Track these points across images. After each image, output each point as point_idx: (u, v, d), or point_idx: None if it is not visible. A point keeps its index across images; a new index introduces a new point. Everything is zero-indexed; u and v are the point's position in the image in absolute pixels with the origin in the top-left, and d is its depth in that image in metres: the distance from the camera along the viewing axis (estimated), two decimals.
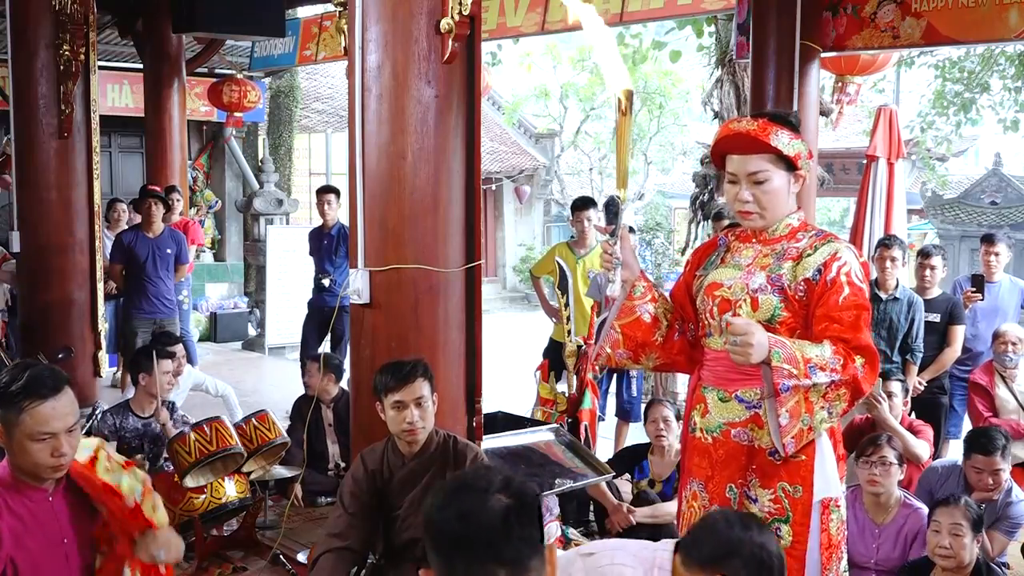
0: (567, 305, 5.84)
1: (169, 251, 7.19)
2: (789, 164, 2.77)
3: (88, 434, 3.30)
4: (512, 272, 21.26)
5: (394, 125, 3.52)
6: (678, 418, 4.75)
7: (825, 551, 2.80)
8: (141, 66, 9.72)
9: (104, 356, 6.13)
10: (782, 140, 2.74)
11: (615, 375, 6.36)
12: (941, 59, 13.71)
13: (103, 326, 6.09)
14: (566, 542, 4.56)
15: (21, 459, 2.48)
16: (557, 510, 4.53)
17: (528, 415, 5.43)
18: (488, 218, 20.44)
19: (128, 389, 5.87)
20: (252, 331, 11.63)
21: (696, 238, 10.27)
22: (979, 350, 6.01)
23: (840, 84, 7.88)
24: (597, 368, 5.45)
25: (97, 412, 5.11)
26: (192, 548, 4.51)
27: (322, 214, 7.72)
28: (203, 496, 4.54)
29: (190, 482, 4.50)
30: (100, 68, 6.34)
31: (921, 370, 5.73)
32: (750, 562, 2.16)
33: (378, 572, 3.54)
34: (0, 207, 10.20)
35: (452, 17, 3.42)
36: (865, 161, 7.46)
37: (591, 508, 5.07)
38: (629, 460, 5.07)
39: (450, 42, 3.44)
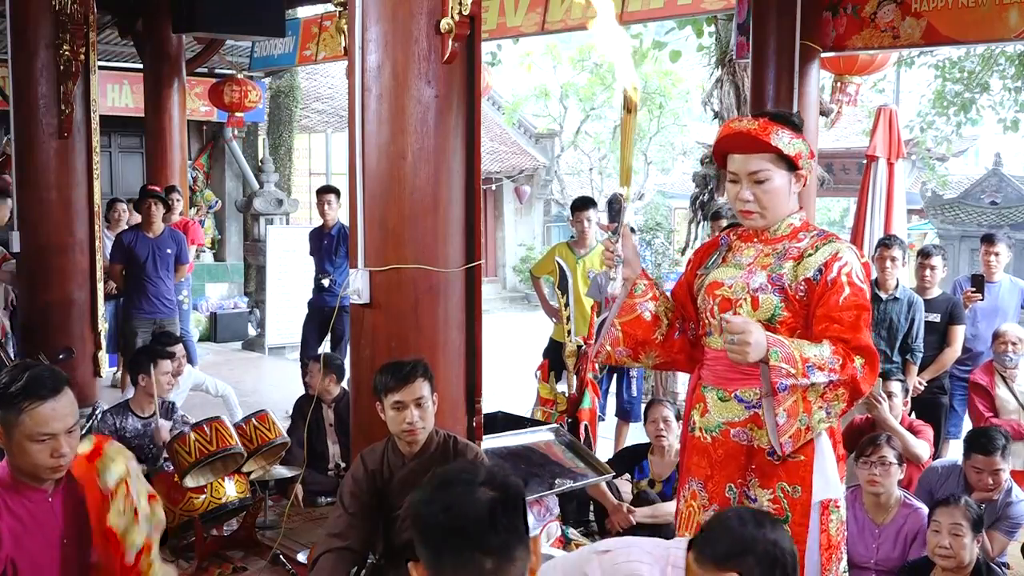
0: (567, 305, 5.84)
1: (169, 251, 7.19)
2: (790, 164, 2.77)
3: (88, 433, 3.29)
4: (512, 272, 21.26)
5: (394, 125, 3.52)
6: (678, 418, 4.75)
7: (824, 552, 2.79)
8: (141, 66, 9.72)
9: (104, 356, 6.13)
10: (783, 140, 2.74)
11: (615, 375, 6.36)
12: (941, 59, 13.71)
13: (103, 326, 6.09)
14: (566, 542, 4.56)
15: (21, 460, 2.48)
16: (557, 510, 4.53)
17: (528, 415, 5.43)
18: (488, 218, 20.44)
19: (128, 389, 5.87)
20: (252, 331, 11.63)
21: (696, 238, 10.27)
22: (979, 350, 6.01)
23: (839, 84, 7.88)
24: (597, 367, 5.45)
25: (97, 412, 5.11)
26: (192, 548, 4.51)
27: (322, 214, 7.72)
28: (203, 496, 4.54)
29: (190, 482, 4.50)
30: (100, 68, 6.34)
31: (921, 370, 5.73)
32: (764, 560, 2.16)
33: (378, 572, 3.54)
34: None
35: (452, 17, 3.42)
36: (865, 161, 7.46)
37: (591, 508, 5.07)
38: (629, 460, 5.07)
39: (450, 42, 3.44)
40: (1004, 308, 6.15)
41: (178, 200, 8.59)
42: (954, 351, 5.82)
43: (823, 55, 6.80)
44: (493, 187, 20.35)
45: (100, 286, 6.01)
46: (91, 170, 5.90)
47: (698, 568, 2.24)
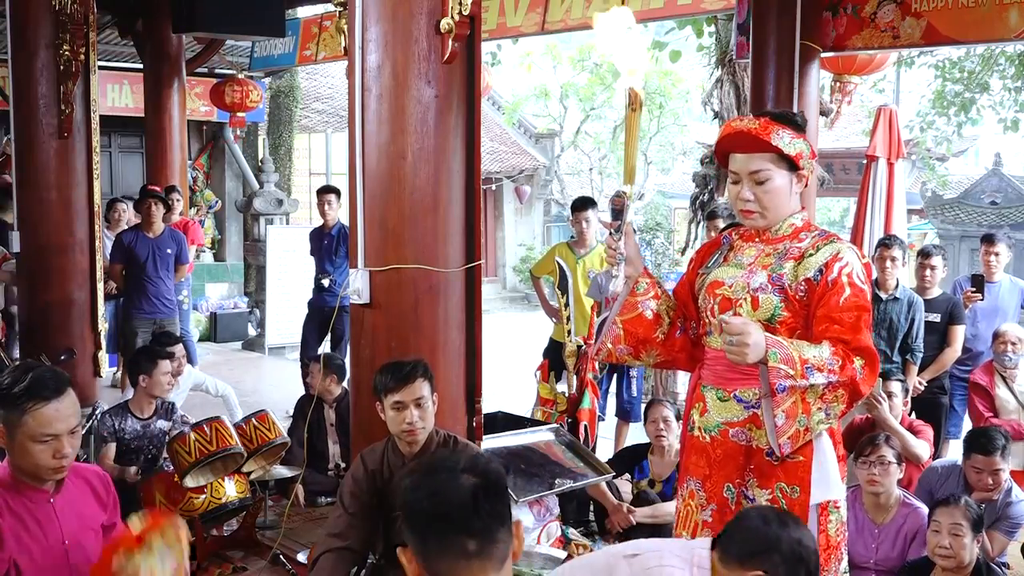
0: (567, 305, 5.85)
1: (169, 251, 7.19)
2: (791, 164, 2.77)
3: (88, 434, 3.27)
4: (512, 272, 21.26)
5: (394, 125, 3.52)
6: (678, 418, 4.75)
7: (824, 552, 2.78)
8: (141, 66, 9.72)
9: (104, 356, 6.13)
10: (783, 139, 2.73)
11: (615, 375, 6.35)
12: (941, 59, 13.71)
13: (103, 326, 6.09)
14: (566, 542, 4.56)
15: (22, 460, 2.49)
16: (557, 510, 4.53)
17: (528, 415, 5.43)
18: (488, 218, 20.44)
19: (128, 390, 5.87)
20: (252, 331, 11.63)
21: (696, 238, 10.27)
22: (979, 350, 6.01)
23: (838, 84, 7.88)
24: (597, 367, 5.45)
25: (97, 412, 5.11)
26: (192, 548, 4.51)
27: (322, 214, 7.72)
28: (203, 496, 4.54)
29: (190, 482, 4.50)
30: (100, 68, 6.34)
31: (921, 370, 5.73)
32: (789, 558, 2.19)
33: (378, 572, 3.54)
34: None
35: (452, 17, 3.42)
36: (865, 161, 7.46)
37: (591, 508, 5.07)
38: (629, 460, 5.07)
39: (450, 42, 3.44)
40: (1004, 308, 6.15)
41: (178, 200, 8.59)
42: (954, 351, 5.82)
43: (823, 55, 6.81)
44: (493, 187, 20.35)
45: (100, 286, 6.00)
46: (91, 170, 5.90)
47: (723, 568, 2.25)
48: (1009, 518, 4.25)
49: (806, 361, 2.58)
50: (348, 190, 3.77)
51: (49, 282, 5.84)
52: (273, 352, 10.78)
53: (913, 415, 5.33)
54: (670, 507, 4.50)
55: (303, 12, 11.37)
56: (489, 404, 4.20)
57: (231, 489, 4.63)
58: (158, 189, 8.04)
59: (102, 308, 6.06)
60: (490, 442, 4.28)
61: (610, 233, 2.89)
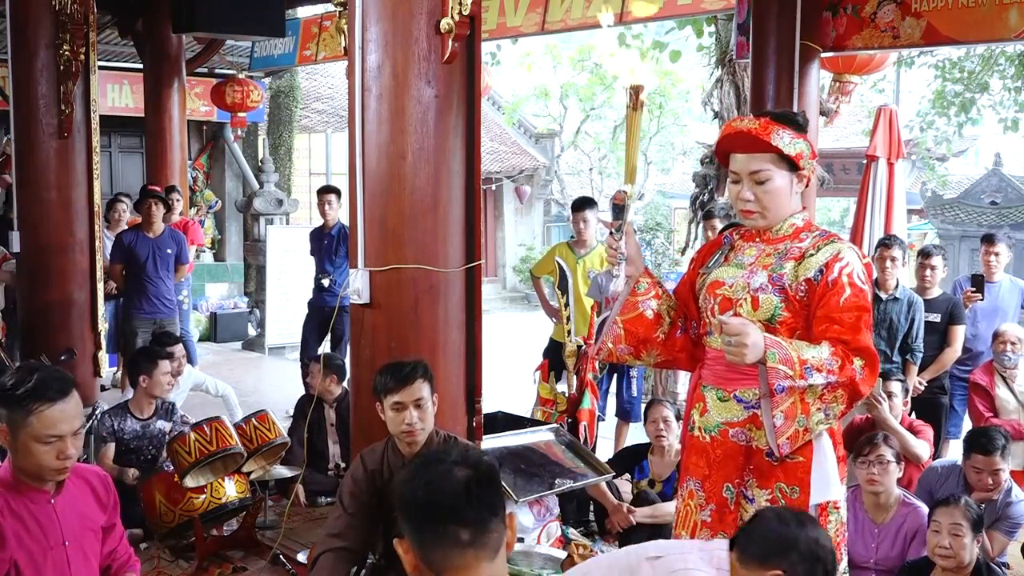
0: (567, 305, 5.84)
1: (169, 251, 7.19)
2: (791, 164, 2.77)
3: (88, 434, 3.29)
4: (512, 272, 21.26)
5: (394, 125, 3.52)
6: (678, 418, 4.76)
7: None
8: (141, 66, 9.72)
9: (104, 356, 6.13)
10: (783, 140, 2.73)
11: (615, 375, 6.35)
12: (941, 59, 13.71)
13: (103, 326, 6.08)
14: (566, 542, 4.56)
15: (26, 461, 2.49)
16: (557, 510, 4.53)
17: (528, 415, 5.43)
18: (488, 218, 20.44)
19: (128, 390, 5.86)
20: (252, 331, 11.63)
21: (696, 238, 10.27)
22: (979, 350, 6.01)
23: (838, 84, 7.88)
24: (597, 367, 5.45)
25: (97, 412, 5.11)
26: (192, 548, 4.51)
27: (323, 214, 7.72)
28: (203, 496, 4.54)
29: (190, 482, 4.50)
30: (100, 68, 6.34)
31: (921, 370, 5.73)
32: (807, 557, 2.22)
33: (378, 572, 3.54)
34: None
35: (452, 17, 3.42)
36: (865, 161, 7.46)
37: (591, 508, 5.07)
38: (629, 460, 5.07)
39: (450, 42, 3.44)
40: (1004, 308, 6.15)
41: (178, 200, 8.59)
42: (954, 351, 5.82)
43: (823, 55, 6.81)
44: (493, 187, 20.35)
45: (100, 286, 6.00)
46: (91, 170, 5.90)
47: (742, 568, 2.27)
48: (1009, 518, 4.25)
49: (805, 362, 2.58)
50: (348, 190, 3.77)
51: (49, 282, 5.83)
52: (273, 352, 10.79)
53: (913, 415, 5.33)
54: (670, 507, 4.50)
55: (303, 12, 11.37)
56: (489, 404, 4.19)
57: (231, 489, 4.63)
58: (158, 189, 8.04)
59: (102, 308, 6.06)
60: (490, 442, 4.28)
61: (611, 233, 2.89)
